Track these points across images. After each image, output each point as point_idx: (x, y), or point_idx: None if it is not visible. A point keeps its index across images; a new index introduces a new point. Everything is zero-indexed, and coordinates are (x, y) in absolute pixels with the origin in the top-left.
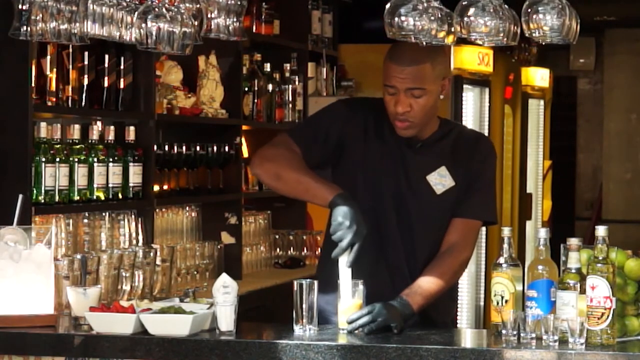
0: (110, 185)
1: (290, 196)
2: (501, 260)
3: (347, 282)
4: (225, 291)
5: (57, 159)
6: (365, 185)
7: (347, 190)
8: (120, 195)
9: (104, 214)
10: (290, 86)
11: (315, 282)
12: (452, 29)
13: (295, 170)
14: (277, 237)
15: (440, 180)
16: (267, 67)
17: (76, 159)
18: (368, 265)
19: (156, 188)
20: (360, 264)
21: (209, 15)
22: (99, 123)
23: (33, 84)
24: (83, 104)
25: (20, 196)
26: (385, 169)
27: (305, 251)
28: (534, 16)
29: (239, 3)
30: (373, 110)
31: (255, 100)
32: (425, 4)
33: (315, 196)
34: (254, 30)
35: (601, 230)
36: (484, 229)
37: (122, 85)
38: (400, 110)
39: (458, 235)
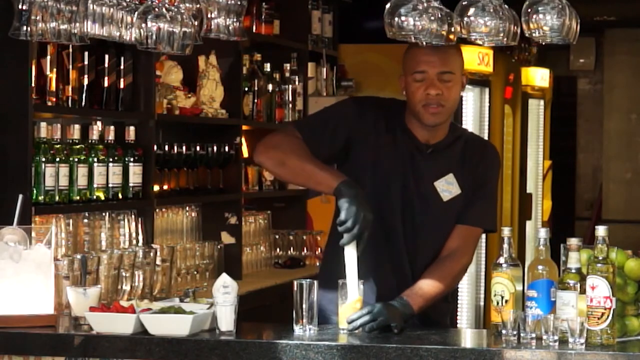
0: (110, 185)
1: (294, 183)
2: (501, 260)
3: (353, 274)
4: (225, 291)
5: (57, 159)
6: (373, 186)
7: None
8: (120, 195)
9: (104, 214)
10: (290, 86)
11: (315, 282)
12: (452, 29)
13: (300, 157)
14: (277, 237)
15: (447, 187)
16: (267, 67)
17: (76, 159)
18: (373, 266)
19: (156, 188)
20: (366, 264)
21: (209, 15)
22: (99, 123)
23: (33, 84)
24: (83, 104)
25: (20, 196)
26: (394, 171)
27: (305, 251)
28: (534, 16)
29: (239, 3)
30: (385, 111)
31: (255, 100)
32: (425, 4)
33: (320, 183)
34: (254, 30)
35: (601, 230)
36: (483, 234)
37: (122, 85)
38: (433, 92)
39: (459, 241)
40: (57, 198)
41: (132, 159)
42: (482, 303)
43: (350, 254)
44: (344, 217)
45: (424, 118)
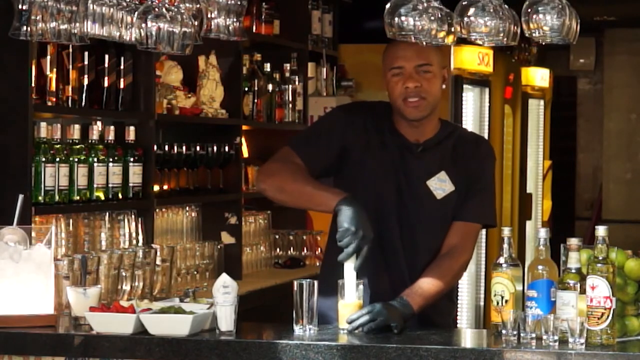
0: (110, 185)
1: (296, 207)
2: (501, 260)
3: (351, 285)
4: (225, 291)
5: (57, 159)
6: (366, 190)
7: None
8: (120, 195)
9: (104, 214)
10: (290, 86)
11: (315, 282)
12: (452, 29)
13: (297, 181)
14: (277, 237)
15: (440, 185)
16: (267, 67)
17: (76, 159)
18: (368, 271)
19: (156, 188)
20: (362, 269)
21: (209, 15)
22: (99, 123)
23: (33, 84)
24: (83, 104)
25: (20, 196)
26: (385, 174)
27: (305, 251)
28: (534, 16)
29: (239, 3)
30: (373, 115)
31: (255, 100)
32: (425, 4)
33: (320, 204)
34: (254, 30)
35: (601, 230)
36: (483, 229)
37: (122, 85)
38: (411, 85)
39: (458, 238)
40: (57, 198)
41: (132, 159)
42: (482, 303)
43: (350, 270)
44: (339, 236)
45: (406, 112)
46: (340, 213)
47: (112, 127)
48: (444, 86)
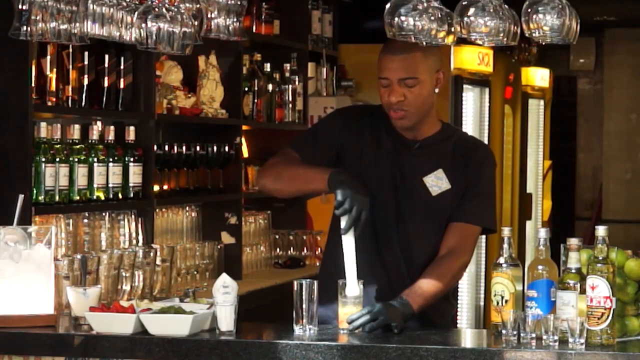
0: (110, 185)
1: (293, 192)
2: (501, 260)
3: (352, 263)
4: (225, 291)
5: (57, 159)
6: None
7: None
8: (120, 195)
9: (104, 214)
10: (290, 86)
11: (315, 282)
12: (452, 29)
13: (292, 167)
14: (277, 237)
15: (437, 182)
16: (267, 67)
17: (76, 159)
18: (365, 267)
19: (156, 188)
20: (360, 264)
21: (209, 15)
22: (99, 123)
23: (33, 84)
24: (83, 104)
25: (20, 196)
26: (381, 170)
27: (305, 251)
28: (534, 16)
29: (239, 3)
30: (369, 116)
31: (255, 100)
32: (425, 4)
33: (314, 181)
34: (254, 30)
35: (601, 230)
36: (483, 235)
37: (122, 85)
38: (393, 99)
39: (457, 239)
40: (57, 198)
41: (132, 159)
42: (482, 303)
43: (349, 243)
44: (341, 198)
45: (393, 121)
46: (334, 183)
47: (112, 127)
48: (436, 90)
